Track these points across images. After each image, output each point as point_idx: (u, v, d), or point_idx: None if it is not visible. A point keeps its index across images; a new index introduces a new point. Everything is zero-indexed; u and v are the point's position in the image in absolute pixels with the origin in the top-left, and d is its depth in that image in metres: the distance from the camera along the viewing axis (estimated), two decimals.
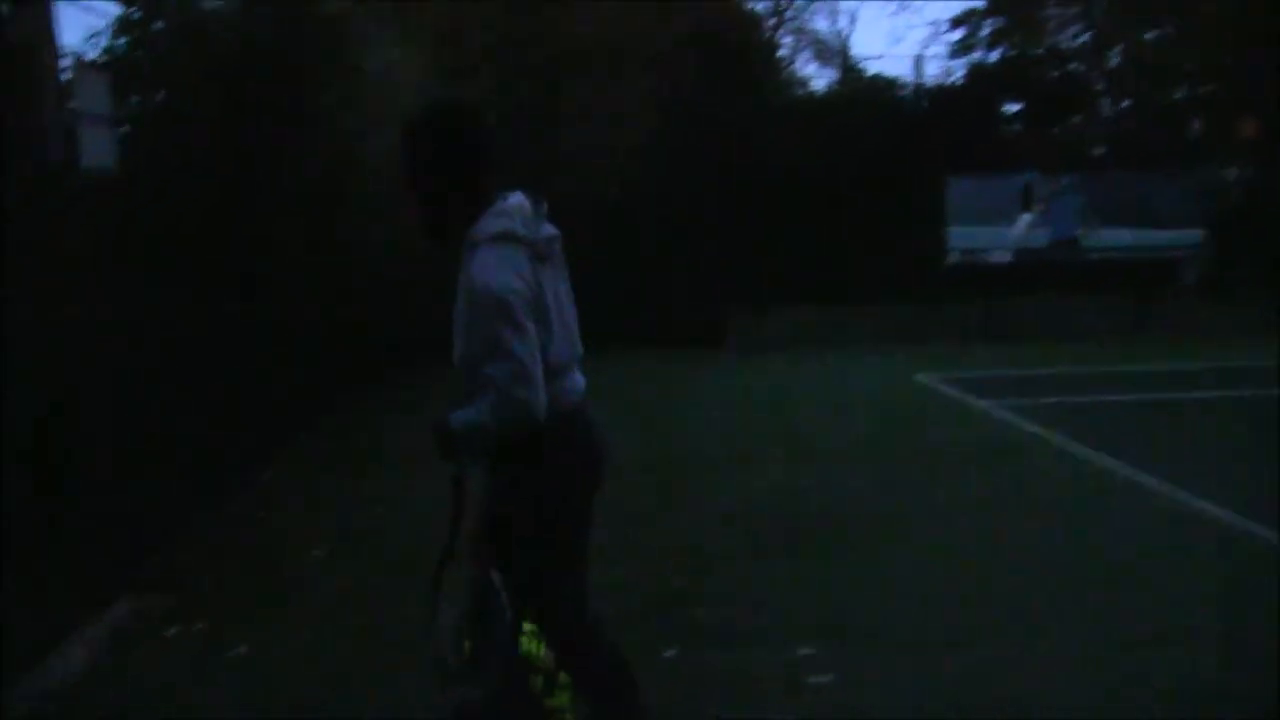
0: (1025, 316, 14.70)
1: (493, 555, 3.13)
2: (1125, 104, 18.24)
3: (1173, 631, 4.39)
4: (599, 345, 4.12)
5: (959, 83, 17.97)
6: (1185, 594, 4.83)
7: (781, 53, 20.85)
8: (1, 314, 4.33)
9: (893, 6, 41.70)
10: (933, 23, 45.32)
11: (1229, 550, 5.46)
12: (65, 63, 5.09)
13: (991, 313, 14.86)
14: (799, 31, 21.46)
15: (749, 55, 17.52)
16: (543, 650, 3.57)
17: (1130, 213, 15.75)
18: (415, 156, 3.06)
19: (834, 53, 21.58)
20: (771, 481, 7.25)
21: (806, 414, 9.57)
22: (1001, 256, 15.66)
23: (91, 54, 5.68)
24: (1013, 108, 18.13)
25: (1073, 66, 18.39)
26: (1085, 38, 18.30)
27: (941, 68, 25.39)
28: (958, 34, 19.48)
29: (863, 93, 18.04)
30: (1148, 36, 17.76)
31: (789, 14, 20.88)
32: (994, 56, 18.85)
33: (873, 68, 24.98)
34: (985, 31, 19.18)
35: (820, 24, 30.27)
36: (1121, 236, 15.68)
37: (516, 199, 3.10)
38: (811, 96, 18.82)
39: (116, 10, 8.21)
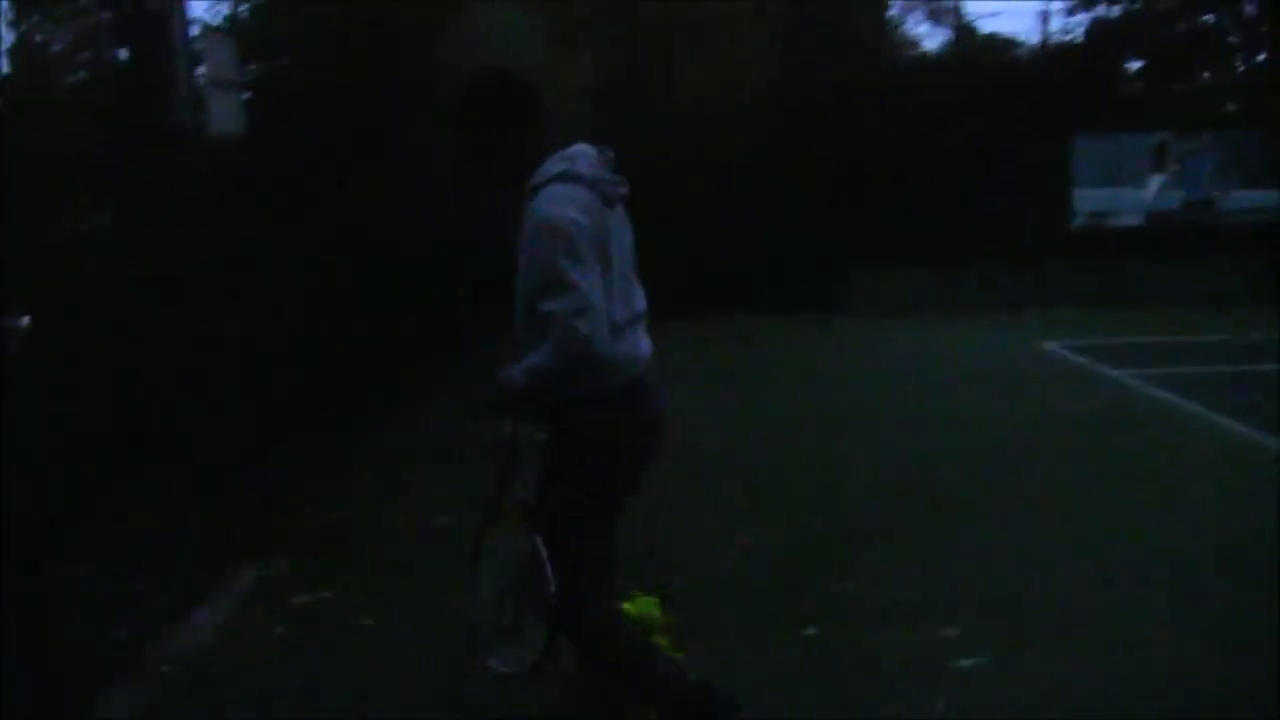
0: (1157, 282, 14.14)
1: (539, 522, 3.06)
2: (1261, 57, 17.45)
3: None
4: (713, 308, 3.99)
5: (1078, 40, 17.38)
6: None
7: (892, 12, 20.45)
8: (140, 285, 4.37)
9: None
10: None
11: None
12: (194, 31, 5.10)
13: (1122, 278, 14.33)
14: None
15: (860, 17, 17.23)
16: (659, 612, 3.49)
17: (1269, 174, 15.07)
18: (477, 113, 3.05)
19: (947, 11, 21.06)
20: (909, 451, 7.05)
21: (935, 382, 9.29)
22: (1131, 219, 15.15)
23: (215, 21, 5.73)
24: (1134, 64, 17.51)
25: (1205, 19, 17.64)
26: None
27: (1061, 24, 24.65)
28: None
29: (976, 53, 17.63)
30: None
31: None
32: (1116, 12, 18.15)
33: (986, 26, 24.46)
34: None
35: None
36: (1260, 198, 15.02)
37: (580, 147, 3.05)
38: (924, 56, 18.45)
39: None
